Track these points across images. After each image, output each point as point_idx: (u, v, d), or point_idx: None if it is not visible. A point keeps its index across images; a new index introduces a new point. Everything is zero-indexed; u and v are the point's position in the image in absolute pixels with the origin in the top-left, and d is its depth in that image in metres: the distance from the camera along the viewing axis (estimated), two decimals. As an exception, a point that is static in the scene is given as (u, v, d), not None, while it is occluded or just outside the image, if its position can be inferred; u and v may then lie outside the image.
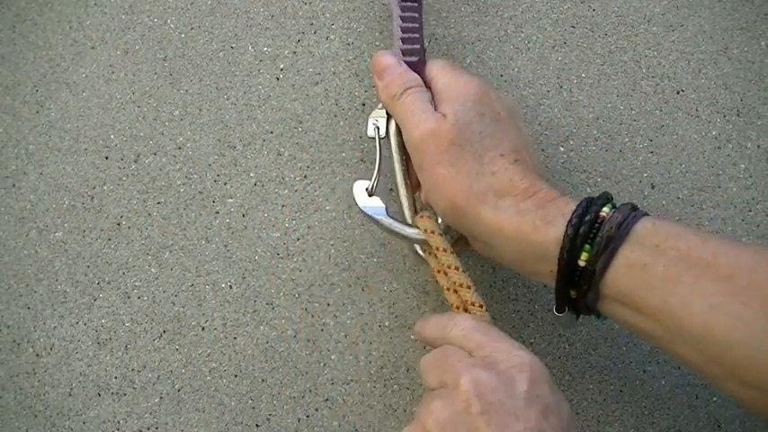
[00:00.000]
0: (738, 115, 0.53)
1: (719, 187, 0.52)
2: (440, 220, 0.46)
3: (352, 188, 0.47)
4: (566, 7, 0.54)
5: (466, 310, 0.44)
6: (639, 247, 0.38)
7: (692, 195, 0.52)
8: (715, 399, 0.50)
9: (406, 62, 0.48)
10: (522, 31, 0.54)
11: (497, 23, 0.54)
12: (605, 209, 0.40)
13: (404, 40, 0.48)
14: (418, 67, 0.47)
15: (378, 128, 0.48)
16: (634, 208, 0.40)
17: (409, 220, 0.47)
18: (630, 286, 0.38)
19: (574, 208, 0.40)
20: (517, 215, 0.41)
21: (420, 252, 0.48)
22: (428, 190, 0.44)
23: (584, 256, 0.39)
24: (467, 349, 0.40)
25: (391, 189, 0.52)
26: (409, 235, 0.46)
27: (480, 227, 0.42)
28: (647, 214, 0.40)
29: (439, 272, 0.46)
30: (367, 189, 0.47)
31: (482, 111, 0.44)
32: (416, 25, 0.49)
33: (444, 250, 0.45)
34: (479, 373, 0.37)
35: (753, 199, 0.52)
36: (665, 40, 0.54)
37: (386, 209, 0.46)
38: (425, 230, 0.45)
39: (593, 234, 0.39)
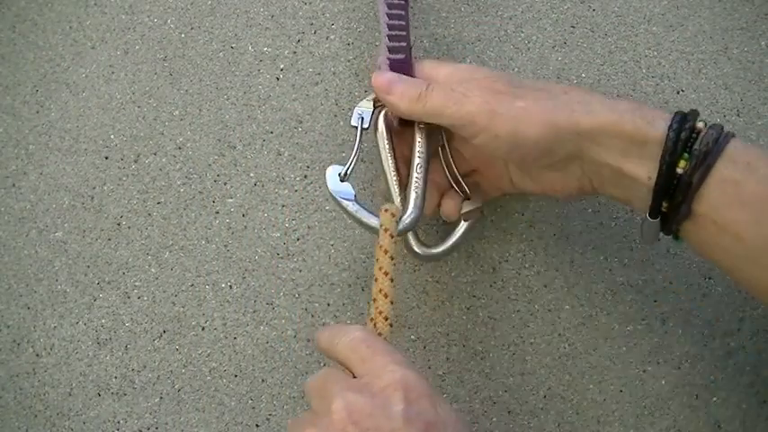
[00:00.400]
0: (738, 115, 0.53)
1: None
2: (401, 223, 0.45)
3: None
4: (566, 7, 0.54)
5: (373, 320, 0.43)
6: (732, 164, 0.39)
7: (692, 195, 0.52)
8: (715, 399, 0.50)
9: (392, 59, 0.47)
10: (522, 31, 0.54)
11: (497, 23, 0.54)
12: (700, 123, 0.40)
13: (390, 38, 0.48)
14: (405, 65, 0.47)
15: (362, 119, 0.48)
16: (723, 128, 0.41)
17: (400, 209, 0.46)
18: (723, 202, 0.39)
19: (670, 115, 0.41)
20: (614, 113, 0.41)
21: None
22: (512, 132, 0.42)
23: (682, 164, 0.40)
24: (351, 363, 0.39)
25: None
26: (372, 224, 0.45)
27: (581, 136, 0.42)
28: (735, 135, 0.40)
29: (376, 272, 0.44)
30: (340, 174, 0.46)
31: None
32: (403, 23, 0.49)
33: (386, 252, 0.44)
34: (353, 397, 0.36)
35: (753, 199, 0.52)
36: (665, 40, 0.54)
37: (354, 195, 0.46)
38: (382, 225, 0.44)
39: (690, 145, 0.40)
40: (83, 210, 0.53)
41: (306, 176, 0.53)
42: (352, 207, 0.46)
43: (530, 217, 0.53)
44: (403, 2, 0.49)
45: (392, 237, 0.44)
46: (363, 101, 0.48)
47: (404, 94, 0.45)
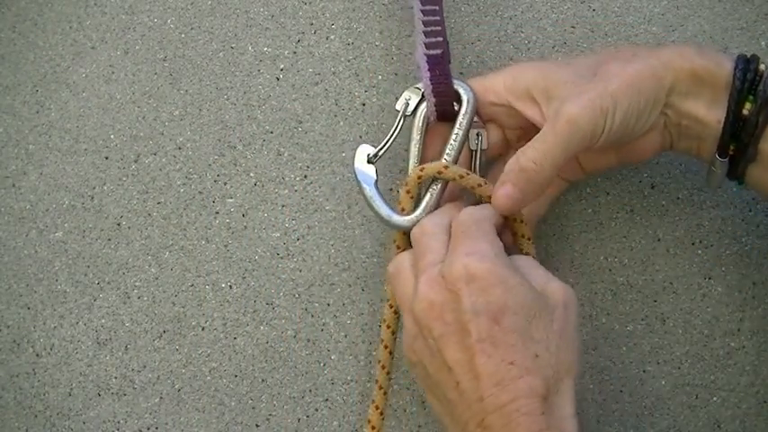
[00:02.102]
0: (738, 115, 0.53)
1: (719, 187, 0.52)
2: (416, 213, 0.46)
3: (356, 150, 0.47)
4: (566, 7, 0.54)
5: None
6: None
7: (691, 195, 0.52)
8: (715, 399, 0.50)
9: (429, 56, 0.47)
10: (522, 31, 0.54)
11: (497, 23, 0.54)
12: (762, 66, 0.42)
13: (426, 34, 0.47)
14: (443, 60, 0.47)
15: (408, 104, 0.48)
16: None
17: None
18: None
19: (732, 57, 0.42)
20: (685, 61, 0.42)
21: None
22: (607, 90, 0.42)
23: (747, 105, 0.41)
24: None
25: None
26: (382, 214, 0.46)
27: (670, 90, 0.42)
28: None
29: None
30: (369, 154, 0.47)
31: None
32: (438, 18, 0.48)
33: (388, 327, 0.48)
34: (428, 293, 0.40)
35: (753, 199, 0.52)
36: (665, 40, 0.54)
37: (375, 180, 0.46)
38: (384, 320, 0.48)
39: (755, 87, 0.41)
40: (83, 210, 0.53)
41: (306, 176, 0.53)
42: (368, 191, 0.46)
43: (530, 217, 0.52)
44: None
45: (403, 235, 0.46)
46: (411, 87, 0.48)
47: (528, 192, 0.44)
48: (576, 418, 0.39)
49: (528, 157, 0.43)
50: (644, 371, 0.51)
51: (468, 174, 0.45)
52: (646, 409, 0.50)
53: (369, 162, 0.46)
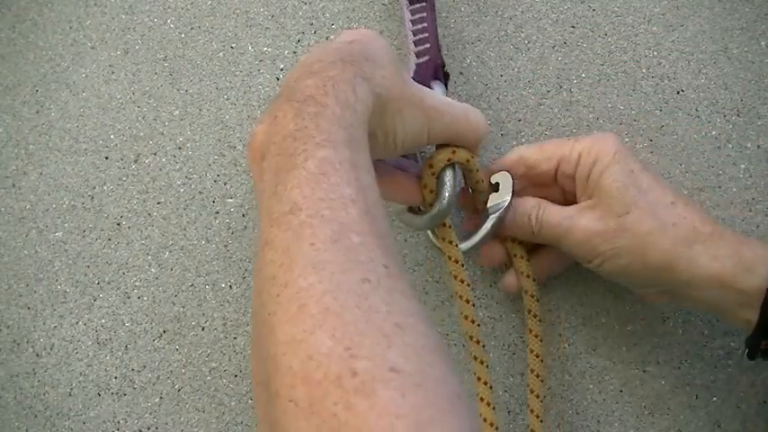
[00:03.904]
0: (738, 115, 0.53)
1: (719, 187, 0.52)
2: (429, 215, 0.45)
3: None
4: (566, 7, 0.54)
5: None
6: None
7: (691, 195, 0.52)
8: (715, 399, 0.50)
9: (419, 64, 0.48)
10: (522, 31, 0.54)
11: (497, 23, 0.54)
12: None
13: (415, 43, 0.49)
14: (431, 67, 0.47)
15: None
16: None
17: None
18: None
19: None
20: (714, 261, 0.41)
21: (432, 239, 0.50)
22: (622, 262, 0.43)
23: None
24: None
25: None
26: (411, 221, 0.46)
27: (677, 281, 0.42)
28: None
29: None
30: None
31: (629, 167, 0.43)
32: (425, 25, 0.49)
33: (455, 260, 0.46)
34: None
35: (753, 199, 0.52)
36: (665, 40, 0.54)
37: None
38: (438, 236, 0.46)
39: None
40: (83, 210, 0.53)
41: (306, 176, 0.53)
42: (392, 206, 0.47)
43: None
44: (424, 4, 0.49)
45: (447, 242, 0.46)
46: None
47: (519, 228, 0.46)
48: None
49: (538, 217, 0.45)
50: (644, 371, 0.51)
51: (473, 156, 0.45)
52: (646, 409, 0.50)
53: None
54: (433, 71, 0.47)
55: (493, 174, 0.48)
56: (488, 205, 0.47)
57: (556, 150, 0.46)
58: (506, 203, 0.47)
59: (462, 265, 0.45)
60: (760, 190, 0.52)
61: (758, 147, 0.53)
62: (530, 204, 0.46)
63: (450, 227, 0.45)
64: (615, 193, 0.42)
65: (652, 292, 0.45)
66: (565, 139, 0.46)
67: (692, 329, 0.51)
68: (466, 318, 0.45)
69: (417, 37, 0.49)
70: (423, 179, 0.44)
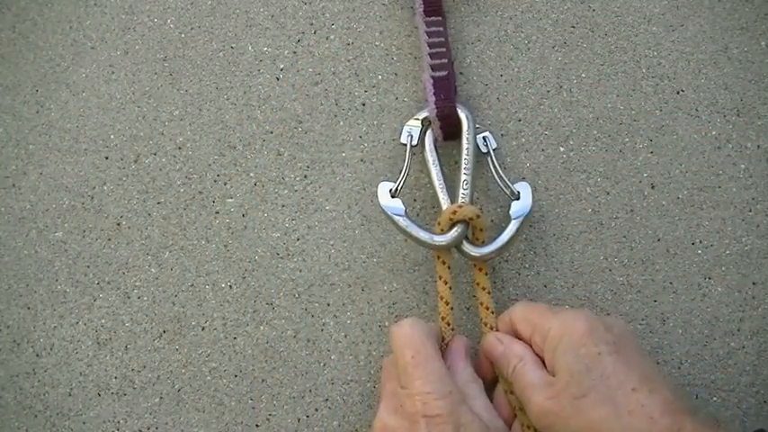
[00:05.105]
0: (738, 115, 0.53)
1: (719, 187, 0.52)
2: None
3: (377, 188, 0.49)
4: (566, 7, 0.54)
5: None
6: None
7: (691, 195, 0.52)
8: (715, 399, 0.50)
9: (435, 77, 0.49)
10: (522, 31, 0.54)
11: (497, 23, 0.54)
12: None
13: (432, 56, 0.50)
14: (447, 82, 0.49)
15: (411, 136, 0.50)
16: None
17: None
18: None
19: None
20: None
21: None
22: None
23: None
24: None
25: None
26: (423, 238, 0.48)
27: None
28: None
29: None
30: (391, 190, 0.49)
31: (596, 350, 0.43)
32: (442, 39, 0.51)
33: (444, 282, 0.49)
34: (387, 418, 0.44)
35: (753, 199, 0.52)
36: (665, 40, 0.54)
37: (405, 210, 0.49)
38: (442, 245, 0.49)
39: None
40: (83, 210, 0.53)
41: (306, 176, 0.53)
42: (402, 222, 0.49)
43: (530, 217, 0.52)
44: (440, 18, 0.51)
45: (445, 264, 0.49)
46: (411, 119, 0.50)
47: (497, 362, 0.48)
48: None
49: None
50: (644, 371, 0.51)
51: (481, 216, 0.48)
52: (646, 409, 0.50)
53: (393, 197, 0.49)
54: (451, 86, 0.49)
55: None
56: (511, 211, 0.49)
57: (537, 318, 0.46)
58: (527, 209, 0.49)
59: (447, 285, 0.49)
60: (760, 190, 0.52)
61: (758, 147, 0.53)
62: (514, 352, 0.46)
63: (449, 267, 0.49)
64: (575, 376, 0.42)
65: None
66: (548, 309, 0.46)
67: (692, 329, 0.51)
68: (443, 319, 0.49)
69: (434, 50, 0.50)
70: (440, 222, 0.48)
